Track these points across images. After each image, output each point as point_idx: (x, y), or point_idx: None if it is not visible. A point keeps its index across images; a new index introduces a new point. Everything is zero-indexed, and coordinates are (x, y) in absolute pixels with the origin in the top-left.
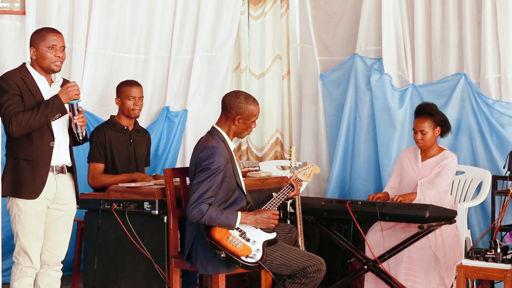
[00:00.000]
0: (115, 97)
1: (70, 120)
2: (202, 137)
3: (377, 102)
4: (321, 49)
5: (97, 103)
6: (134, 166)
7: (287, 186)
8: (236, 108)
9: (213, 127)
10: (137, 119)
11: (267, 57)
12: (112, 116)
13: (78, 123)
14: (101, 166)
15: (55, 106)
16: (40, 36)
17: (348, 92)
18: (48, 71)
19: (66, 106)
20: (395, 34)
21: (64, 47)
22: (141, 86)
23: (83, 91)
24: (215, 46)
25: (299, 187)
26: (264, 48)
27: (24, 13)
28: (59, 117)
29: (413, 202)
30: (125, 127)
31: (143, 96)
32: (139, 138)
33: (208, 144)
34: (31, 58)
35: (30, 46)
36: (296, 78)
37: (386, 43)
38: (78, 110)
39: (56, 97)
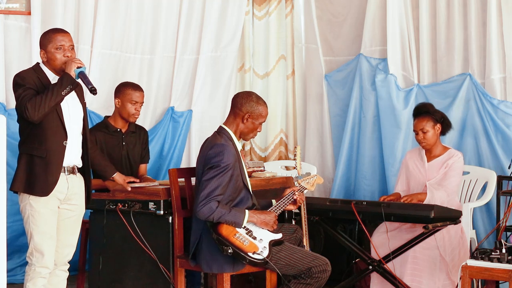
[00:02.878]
0: (116, 96)
1: (84, 121)
2: (209, 136)
3: (382, 102)
4: (326, 49)
5: (103, 103)
6: (128, 168)
7: (291, 193)
8: (247, 106)
9: (220, 126)
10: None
11: (271, 57)
12: (106, 117)
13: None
14: None
15: (64, 80)
16: (47, 38)
17: (353, 92)
18: (59, 72)
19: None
20: (400, 34)
21: (73, 45)
22: (143, 91)
23: (88, 91)
24: (220, 46)
25: (302, 201)
26: (268, 48)
27: (29, 13)
28: (70, 90)
29: (422, 203)
30: (118, 129)
31: (143, 101)
32: (133, 139)
33: (217, 142)
34: (42, 61)
35: (40, 49)
36: (301, 78)
37: (391, 43)
38: (88, 78)
39: (64, 73)
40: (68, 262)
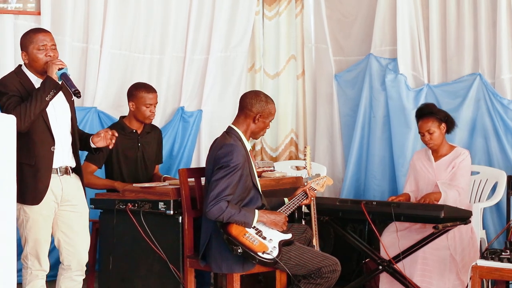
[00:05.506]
0: (129, 100)
1: (72, 120)
2: (218, 137)
3: (392, 102)
4: (336, 49)
5: (112, 103)
6: (143, 169)
7: (301, 194)
8: (258, 106)
9: (229, 127)
10: None
11: (281, 57)
12: (121, 118)
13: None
14: (93, 167)
15: (47, 85)
16: (28, 38)
17: (363, 92)
18: (42, 73)
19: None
20: (410, 34)
21: (55, 45)
22: (156, 91)
23: (98, 91)
24: (230, 46)
25: (312, 198)
26: (278, 48)
27: (39, 13)
28: (54, 94)
29: (432, 203)
30: (134, 131)
31: (157, 102)
32: (148, 140)
33: (226, 142)
34: (24, 63)
35: (21, 51)
36: (311, 78)
37: (401, 43)
38: (70, 79)
39: (46, 77)
40: (85, 265)
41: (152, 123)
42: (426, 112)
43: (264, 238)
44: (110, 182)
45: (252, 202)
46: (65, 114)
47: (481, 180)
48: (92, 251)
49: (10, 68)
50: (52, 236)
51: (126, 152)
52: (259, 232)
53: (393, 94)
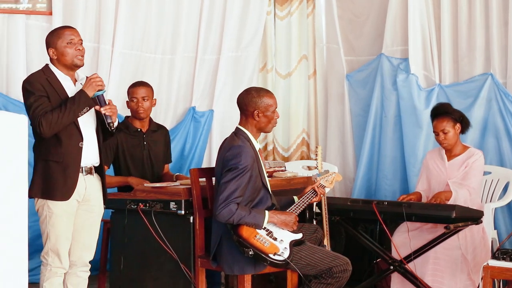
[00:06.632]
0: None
1: (97, 115)
2: (227, 137)
3: (403, 102)
4: (347, 49)
5: (123, 103)
6: (149, 168)
7: (311, 192)
8: (252, 104)
9: (237, 127)
10: (151, 117)
11: (293, 57)
12: (126, 117)
13: (107, 113)
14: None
15: (82, 101)
16: (56, 35)
17: (374, 92)
18: (71, 68)
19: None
20: (422, 34)
21: (82, 41)
22: (148, 86)
23: (109, 91)
24: (241, 46)
25: (322, 195)
26: (290, 48)
27: (51, 13)
28: (86, 111)
29: (448, 203)
30: (139, 129)
31: (148, 96)
32: (155, 138)
33: (234, 144)
34: (51, 60)
35: (48, 48)
36: (322, 78)
37: (412, 43)
38: (105, 101)
39: (81, 92)
40: (90, 262)
41: (161, 123)
42: (441, 112)
43: (275, 239)
44: (123, 178)
45: (262, 202)
46: (91, 112)
47: (492, 180)
48: (104, 251)
49: (22, 67)
50: None
51: (132, 151)
52: (269, 233)
53: (404, 94)
